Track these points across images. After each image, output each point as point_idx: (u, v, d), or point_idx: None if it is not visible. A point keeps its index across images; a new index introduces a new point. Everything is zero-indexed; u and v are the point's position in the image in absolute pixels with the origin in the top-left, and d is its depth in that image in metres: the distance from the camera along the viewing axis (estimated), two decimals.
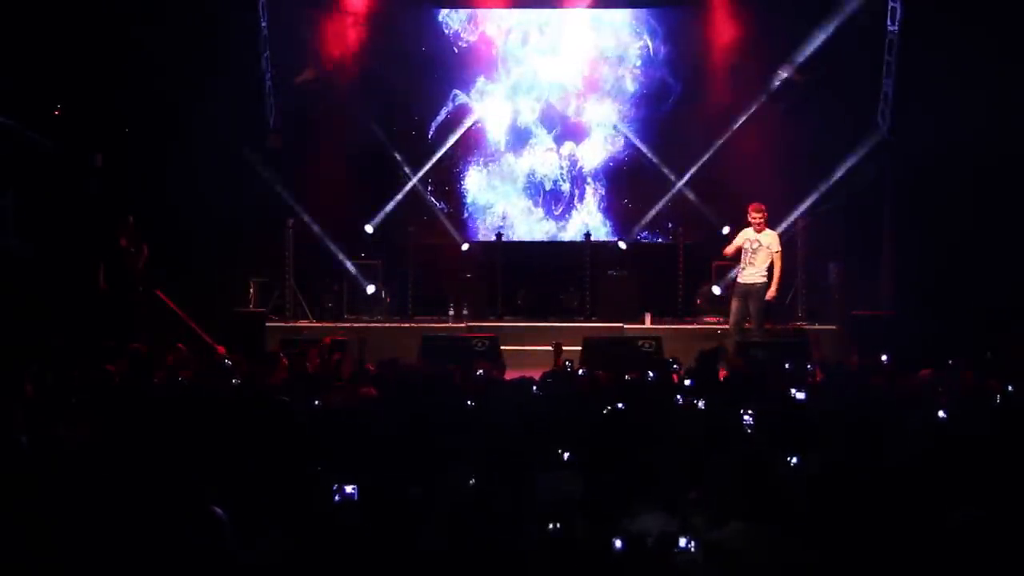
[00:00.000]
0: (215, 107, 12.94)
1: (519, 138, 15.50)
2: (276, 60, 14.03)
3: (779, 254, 11.75)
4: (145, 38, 12.48)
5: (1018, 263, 11.90)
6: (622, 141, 15.38)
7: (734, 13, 14.77)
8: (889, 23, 11.94)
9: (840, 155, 13.60)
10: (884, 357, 9.02)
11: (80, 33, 12.08)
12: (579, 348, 11.69)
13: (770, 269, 11.68)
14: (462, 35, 15.40)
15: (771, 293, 11.72)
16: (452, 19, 15.40)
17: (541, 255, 15.24)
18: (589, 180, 15.44)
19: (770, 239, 11.76)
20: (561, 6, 15.35)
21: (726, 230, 14.68)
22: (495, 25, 15.38)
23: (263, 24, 13.48)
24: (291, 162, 14.41)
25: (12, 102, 11.53)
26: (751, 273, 11.72)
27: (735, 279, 12.06)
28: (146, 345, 9.63)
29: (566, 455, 4.80)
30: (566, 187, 15.48)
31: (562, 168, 15.49)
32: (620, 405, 6.31)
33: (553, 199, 15.57)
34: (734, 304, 11.93)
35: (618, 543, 3.63)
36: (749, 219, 11.82)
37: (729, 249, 11.97)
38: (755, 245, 11.70)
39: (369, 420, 6.06)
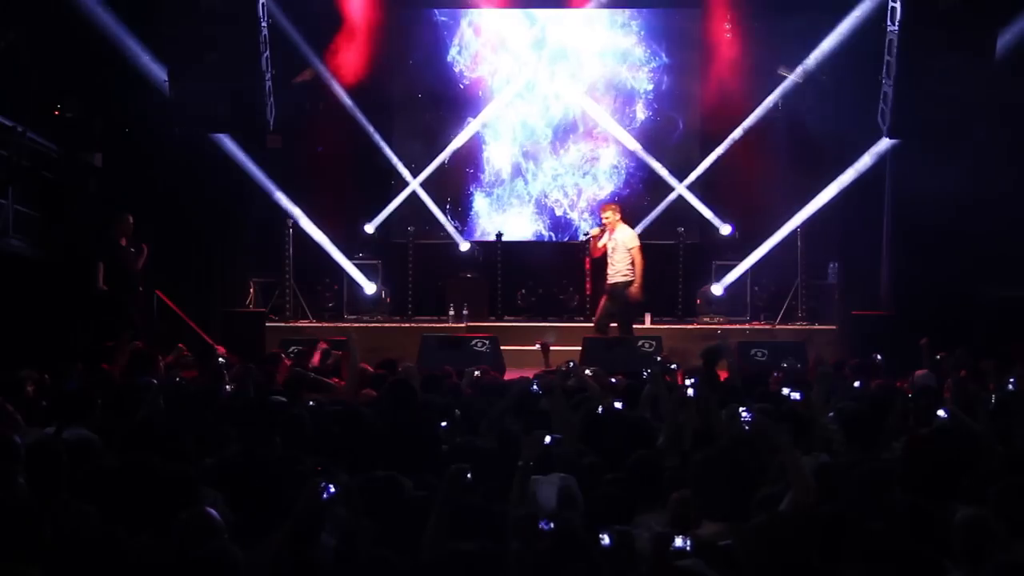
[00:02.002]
0: (215, 107, 12.93)
1: (527, 164, 15.51)
2: (276, 60, 14.02)
3: (637, 249, 11.63)
4: (145, 38, 12.47)
5: (1018, 262, 11.90)
6: (623, 176, 15.35)
7: (734, 13, 14.78)
8: (889, 23, 11.92)
9: (840, 155, 13.59)
10: (878, 356, 9.00)
11: (80, 33, 12.07)
12: (579, 348, 11.70)
13: (633, 267, 11.59)
14: (466, 74, 15.41)
15: (634, 289, 11.60)
16: (460, 59, 15.43)
17: (541, 255, 15.24)
18: (588, 217, 15.33)
19: (625, 236, 11.66)
20: (563, 6, 15.35)
21: (726, 231, 14.72)
22: (488, 67, 15.39)
23: (263, 24, 13.47)
24: (291, 162, 14.42)
25: (12, 102, 11.52)
26: (612, 273, 11.64)
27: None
28: (146, 345, 9.63)
29: (548, 438, 4.78)
30: (575, 215, 15.42)
31: (569, 195, 15.46)
32: (618, 405, 6.31)
33: (566, 227, 15.57)
34: (601, 303, 11.90)
35: (606, 539, 3.63)
36: (602, 220, 11.72)
37: (595, 252, 11.84)
38: (613, 244, 11.63)
39: (367, 420, 6.05)
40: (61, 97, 12.56)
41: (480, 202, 15.52)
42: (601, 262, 12.13)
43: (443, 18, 15.45)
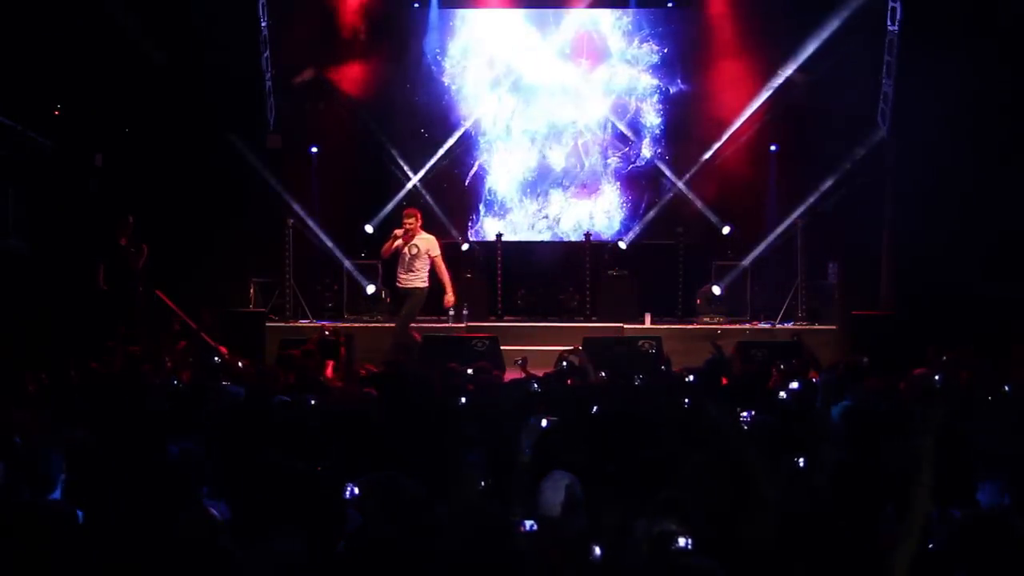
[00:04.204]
0: (215, 107, 12.96)
1: (534, 189, 15.51)
2: (276, 60, 14.04)
3: (440, 257, 11.65)
4: (145, 38, 12.49)
5: (1019, 262, 11.90)
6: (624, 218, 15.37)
7: (734, 13, 14.79)
8: (889, 23, 11.94)
9: (840, 155, 13.60)
10: (865, 359, 8.98)
11: (80, 33, 12.09)
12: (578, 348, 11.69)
13: (431, 275, 11.60)
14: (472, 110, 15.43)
15: (449, 299, 11.77)
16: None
17: (541, 255, 15.24)
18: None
19: (427, 244, 11.63)
20: (563, 7, 15.34)
21: (726, 230, 14.72)
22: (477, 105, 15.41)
23: (263, 24, 13.49)
24: (291, 162, 14.43)
25: (12, 102, 11.53)
26: (410, 278, 11.60)
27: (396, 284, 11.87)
28: (146, 345, 9.65)
29: (544, 421, 4.77)
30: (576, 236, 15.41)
31: (576, 223, 15.44)
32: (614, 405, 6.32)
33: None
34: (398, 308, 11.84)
35: (597, 550, 3.64)
36: (404, 224, 11.70)
37: (385, 249, 11.82)
38: (413, 250, 11.61)
39: (370, 420, 6.05)
40: (61, 97, 12.57)
41: (489, 224, 15.50)
42: (392, 263, 12.05)
43: (448, 50, 15.42)
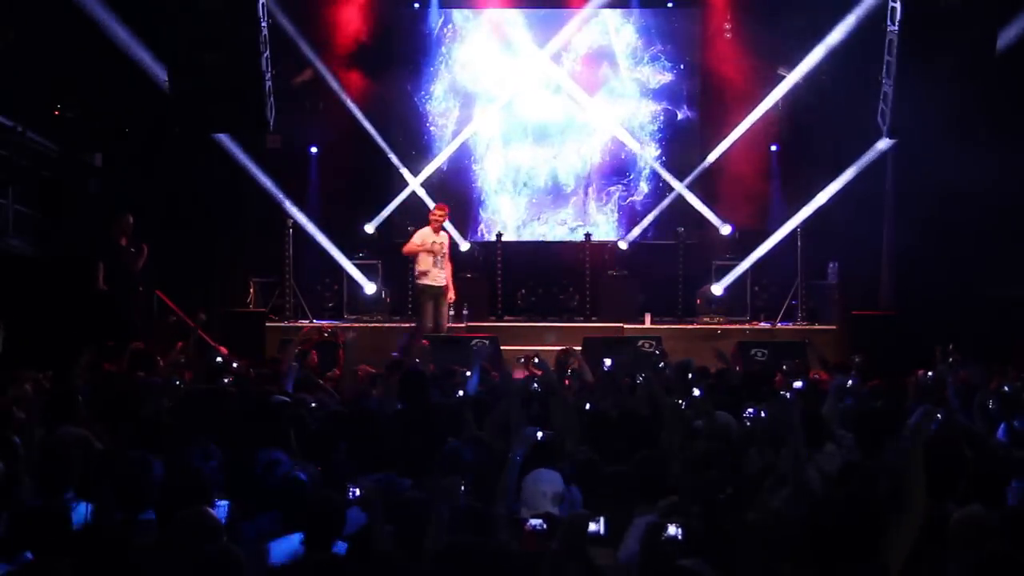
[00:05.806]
0: (215, 107, 12.93)
1: (536, 208, 15.52)
2: (276, 60, 14.02)
3: None
4: (145, 38, 12.48)
5: (1019, 262, 11.90)
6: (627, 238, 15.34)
7: (734, 14, 14.79)
8: (889, 23, 11.92)
9: (840, 155, 13.60)
10: (856, 358, 8.96)
11: (80, 33, 12.08)
12: (578, 348, 11.69)
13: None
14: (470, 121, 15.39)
15: (453, 295, 11.79)
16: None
17: (541, 255, 15.24)
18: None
19: (448, 240, 11.80)
20: (563, 7, 15.32)
21: (726, 231, 14.72)
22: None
23: (263, 24, 13.47)
24: (291, 162, 14.42)
25: (12, 102, 11.52)
26: (445, 276, 11.69)
27: (427, 284, 11.77)
28: (146, 345, 9.64)
29: (539, 434, 4.77)
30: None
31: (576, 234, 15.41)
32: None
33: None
34: (430, 308, 11.77)
35: (595, 528, 3.66)
36: (432, 218, 11.67)
37: (414, 248, 11.84)
38: (445, 248, 11.66)
39: (370, 420, 6.05)
40: (61, 97, 12.56)
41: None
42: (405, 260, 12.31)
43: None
